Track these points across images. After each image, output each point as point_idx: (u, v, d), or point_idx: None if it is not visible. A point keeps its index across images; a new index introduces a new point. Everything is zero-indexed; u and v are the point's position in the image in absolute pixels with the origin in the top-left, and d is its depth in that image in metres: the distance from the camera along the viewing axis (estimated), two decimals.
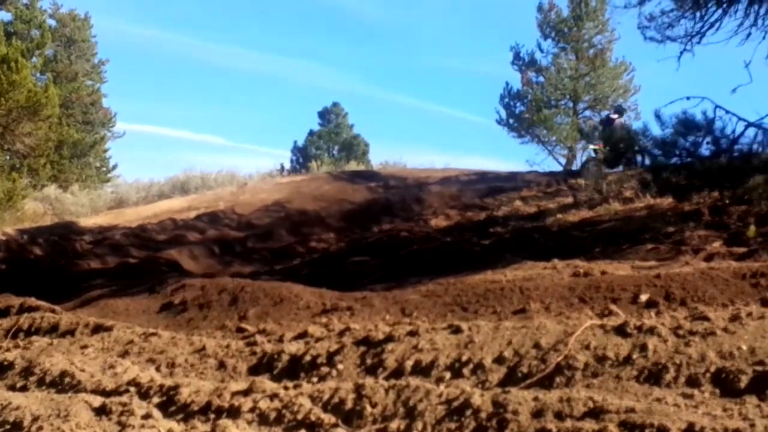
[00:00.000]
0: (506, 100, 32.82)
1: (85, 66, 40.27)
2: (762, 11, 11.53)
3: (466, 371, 4.77)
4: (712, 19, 11.92)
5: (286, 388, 4.86)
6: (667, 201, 11.95)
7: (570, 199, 15.59)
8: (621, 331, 4.79)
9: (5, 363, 6.36)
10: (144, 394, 5.08)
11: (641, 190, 12.99)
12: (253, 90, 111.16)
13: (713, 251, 8.56)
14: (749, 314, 5.03)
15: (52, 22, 37.33)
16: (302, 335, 5.96)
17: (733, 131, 10.56)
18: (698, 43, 12.17)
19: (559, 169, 26.27)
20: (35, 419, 4.54)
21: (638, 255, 9.08)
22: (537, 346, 4.80)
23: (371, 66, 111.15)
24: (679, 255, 8.67)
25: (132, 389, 5.19)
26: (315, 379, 5.10)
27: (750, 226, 8.88)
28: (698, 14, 12.00)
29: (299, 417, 4.34)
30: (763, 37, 11.69)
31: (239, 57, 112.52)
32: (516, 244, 11.53)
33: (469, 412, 4.00)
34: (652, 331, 4.68)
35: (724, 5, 11.69)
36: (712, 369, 4.12)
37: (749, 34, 11.78)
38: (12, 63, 19.06)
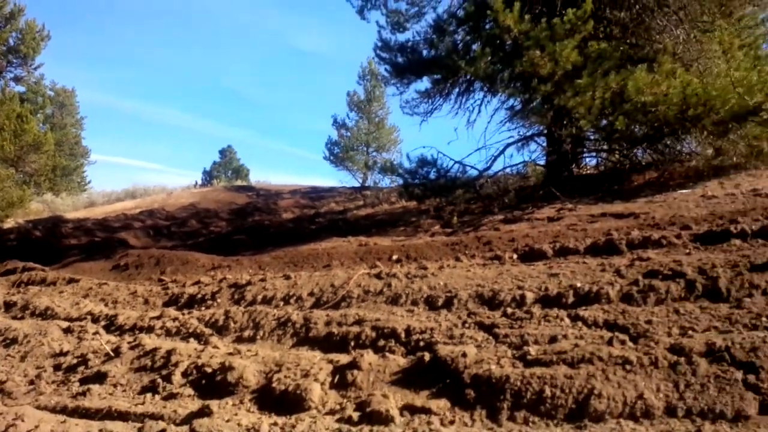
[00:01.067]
0: (329, 145, 32.81)
1: (71, 119, 38.27)
2: (463, 101, 12.06)
3: (292, 301, 4.80)
4: (438, 104, 12.36)
5: (183, 314, 4.76)
6: (413, 204, 12.26)
7: (361, 202, 15.76)
8: (378, 275, 4.92)
9: (11, 302, 5.92)
10: (95, 320, 4.87)
11: (399, 197, 13.30)
12: (181, 135, 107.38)
13: (435, 231, 8.86)
14: (448, 265, 5.29)
15: (51, 93, 35.52)
16: (197, 282, 5.82)
17: (447, 166, 11.02)
18: (430, 116, 12.57)
19: (357, 185, 26.39)
20: (26, 335, 4.30)
21: (395, 234, 9.29)
22: (332, 285, 4.87)
23: (251, 121, 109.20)
24: (417, 234, 8.93)
25: (88, 317, 4.96)
26: (203, 308, 5.00)
27: (454, 217, 9.24)
28: (430, 101, 12.40)
29: (190, 330, 4.27)
30: (463, 115, 12.23)
31: (172, 114, 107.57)
32: (329, 228, 11.58)
33: (290, 324, 4.04)
34: (395, 275, 4.83)
35: (444, 97, 12.15)
36: (425, 295, 4.30)
37: (456, 113, 12.30)
38: (24, 117, 18.24)
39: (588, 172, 12.02)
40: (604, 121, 9.40)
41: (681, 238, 4.88)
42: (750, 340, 2.51)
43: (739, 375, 2.34)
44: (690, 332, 2.85)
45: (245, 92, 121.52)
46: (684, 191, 8.00)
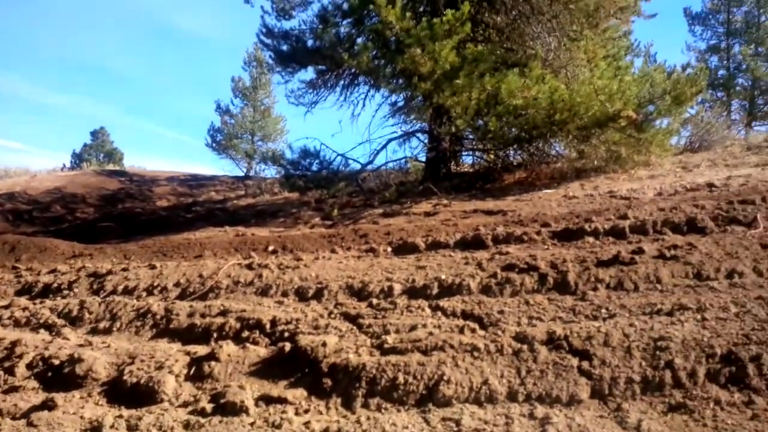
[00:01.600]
0: (212, 132, 31.73)
1: None
2: (348, 94, 12.12)
3: (156, 291, 4.62)
4: (323, 96, 12.34)
5: (35, 303, 4.45)
6: (295, 195, 12.18)
7: (243, 192, 15.43)
8: (249, 266, 4.86)
9: None
10: None
11: (281, 188, 13.15)
12: (49, 114, 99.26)
13: (315, 223, 8.85)
14: (324, 257, 5.30)
15: None
16: (54, 271, 5.44)
17: (330, 158, 11.04)
18: (314, 107, 12.52)
19: (241, 174, 25.78)
20: None
21: (274, 224, 9.18)
22: (201, 276, 4.75)
23: (129, 102, 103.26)
24: (296, 225, 8.89)
25: None
26: (58, 298, 4.68)
27: (335, 209, 9.28)
28: (315, 92, 12.35)
29: (41, 321, 4.01)
30: (348, 108, 12.30)
31: (41, 92, 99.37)
32: (206, 217, 11.24)
33: (149, 315, 3.90)
34: (266, 266, 4.78)
35: (329, 89, 12.15)
36: (296, 286, 4.30)
37: (341, 106, 12.34)
38: None
39: (465, 169, 12.50)
40: (480, 122, 9.81)
41: (541, 234, 5.20)
42: (587, 330, 2.73)
43: (575, 362, 2.54)
44: (536, 322, 3.06)
45: (125, 73, 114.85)
46: (548, 191, 8.54)
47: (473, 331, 2.92)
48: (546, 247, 4.85)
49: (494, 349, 2.63)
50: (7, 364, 3.17)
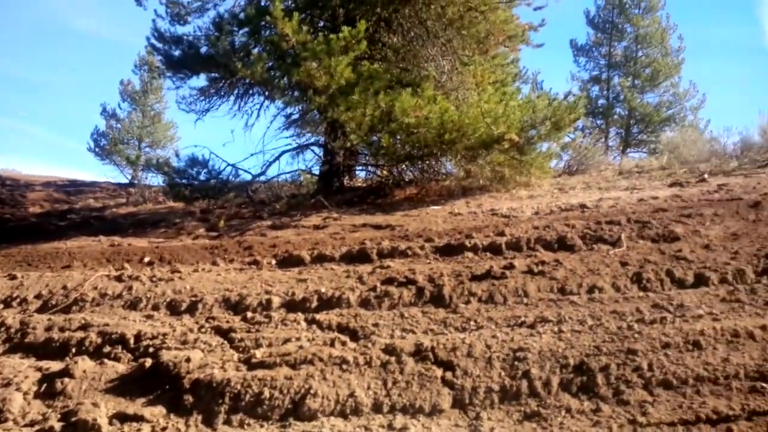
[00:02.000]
0: (95, 136, 30.07)
1: None
2: (242, 104, 11.91)
3: (14, 303, 4.30)
4: (215, 104, 12.04)
5: None
6: (181, 205, 11.73)
7: (124, 200, 14.69)
8: (119, 278, 4.64)
9: None
10: None
11: (166, 197, 12.65)
12: None
13: (198, 234, 8.55)
14: (203, 269, 5.14)
15: None
16: None
17: (220, 168, 10.74)
18: (206, 114, 12.18)
19: (126, 181, 24.57)
20: None
21: (155, 235, 8.78)
22: (65, 287, 4.47)
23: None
24: (179, 236, 8.55)
25: None
26: None
27: (221, 221, 9.02)
28: (207, 100, 12.03)
29: None
30: (242, 118, 12.07)
31: None
32: (81, 225, 10.56)
33: (2, 329, 3.62)
34: (137, 278, 4.58)
35: (222, 97, 11.89)
36: (168, 300, 4.13)
37: (234, 115, 12.09)
38: None
39: (358, 184, 12.60)
40: (374, 138, 9.93)
41: (424, 249, 5.32)
42: (453, 342, 2.81)
43: (439, 372, 2.60)
44: (407, 334, 3.11)
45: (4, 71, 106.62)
46: (436, 207, 8.77)
47: (344, 343, 2.92)
48: (428, 261, 4.96)
49: (363, 361, 2.65)
50: None
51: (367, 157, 12.03)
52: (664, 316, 3.12)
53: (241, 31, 11.17)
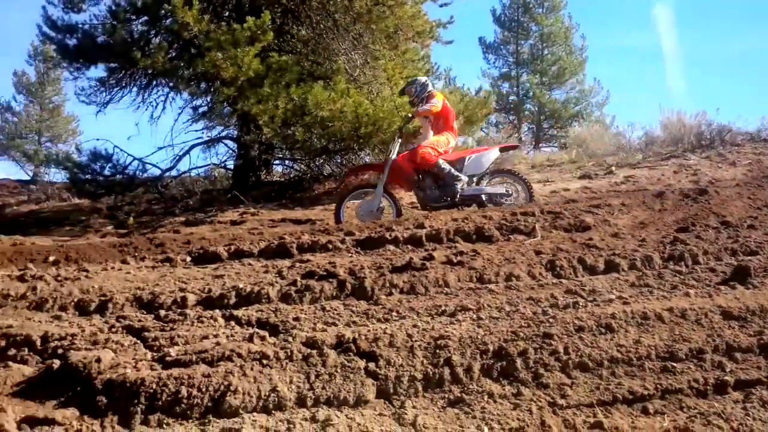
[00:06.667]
0: None
1: None
2: (146, 95, 11.48)
3: None
4: (116, 95, 11.53)
5: None
6: (87, 202, 11.22)
7: (25, 198, 13.87)
8: (22, 278, 4.36)
9: None
10: None
11: (70, 194, 12.05)
12: None
13: (107, 232, 8.24)
14: (113, 268, 4.93)
15: None
16: None
17: (125, 162, 10.35)
18: (106, 107, 11.62)
19: (27, 177, 23.13)
20: None
21: (60, 233, 8.38)
22: None
23: None
24: (86, 234, 8.21)
25: None
26: None
27: (130, 218, 8.72)
28: (107, 91, 11.50)
29: None
30: (146, 110, 11.65)
31: None
32: None
33: None
34: (42, 278, 4.34)
35: (123, 88, 11.41)
36: (76, 299, 3.93)
37: (138, 107, 11.64)
38: None
39: (276, 178, 12.45)
40: (288, 131, 9.85)
41: (345, 243, 5.31)
42: (374, 332, 2.83)
43: (362, 364, 2.61)
44: (329, 327, 3.10)
45: None
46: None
47: (263, 339, 2.87)
48: (349, 255, 4.96)
49: (284, 355, 2.62)
50: None
51: (284, 151, 11.92)
52: (577, 301, 3.28)
53: (139, 20, 10.75)
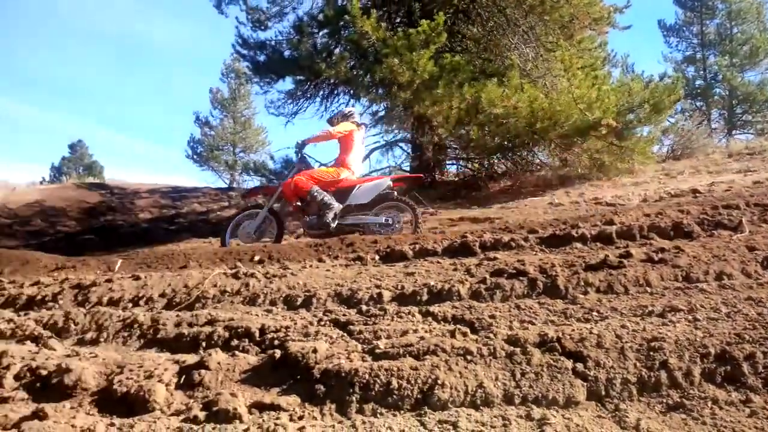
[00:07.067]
0: (191, 144, 31.58)
1: None
2: (328, 104, 12.14)
3: (141, 302, 4.54)
4: (303, 106, 12.33)
5: (19, 315, 4.34)
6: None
7: (226, 204, 15.33)
8: (236, 275, 4.80)
9: None
10: None
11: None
12: (25, 128, 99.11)
13: (300, 233, 8.80)
14: (311, 266, 5.26)
15: None
16: (37, 283, 5.32)
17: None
18: (294, 117, 12.49)
19: (224, 186, 25.64)
20: None
21: None
22: (186, 286, 4.68)
23: (108, 117, 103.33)
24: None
25: None
26: (43, 310, 4.58)
27: None
28: (294, 102, 12.34)
29: (26, 333, 3.91)
30: (328, 118, 12.32)
31: (16, 107, 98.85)
32: (190, 229, 11.14)
33: (136, 325, 3.83)
34: (253, 275, 4.73)
35: (309, 99, 12.15)
36: (284, 295, 4.25)
37: (322, 116, 12.38)
38: None
39: (450, 178, 12.54)
40: (462, 131, 9.87)
41: (528, 240, 5.21)
42: (579, 332, 2.73)
43: (569, 364, 2.53)
44: (528, 325, 3.05)
45: (100, 87, 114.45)
46: (534, 199, 8.62)
47: (465, 335, 2.90)
48: (534, 252, 4.86)
49: (487, 352, 2.62)
50: None
51: (457, 151, 11.97)
52: None
53: (321, 32, 11.40)
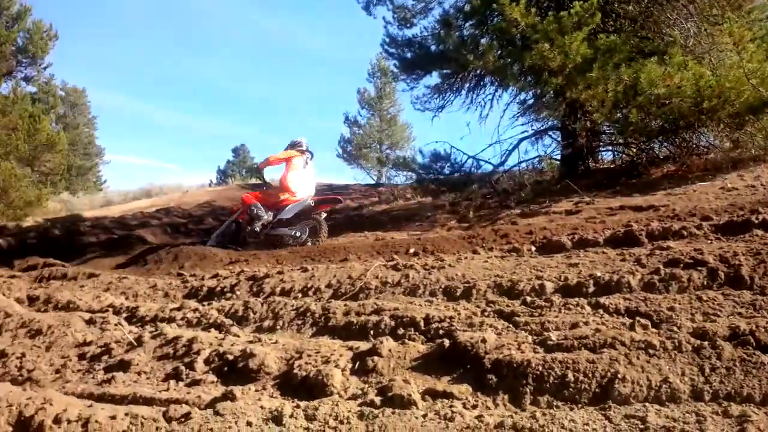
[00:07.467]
0: (341, 143, 32.86)
1: (83, 119, 38.30)
2: (474, 96, 12.03)
3: (310, 293, 4.80)
4: (449, 99, 12.32)
5: (203, 305, 4.78)
6: (428, 199, 12.25)
7: (376, 199, 15.77)
8: (395, 267, 4.92)
9: (34, 296, 5.97)
10: (117, 312, 4.89)
11: (414, 193, 13.28)
12: (194, 135, 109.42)
13: (451, 226, 8.84)
14: (465, 257, 5.27)
15: (62, 93, 35.36)
16: (216, 276, 5.83)
17: (461, 161, 10.99)
18: (441, 111, 12.52)
19: (372, 182, 26.38)
20: (50, 327, 4.33)
21: (411, 228, 9.29)
22: (350, 277, 4.88)
23: (262, 122, 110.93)
24: (433, 228, 8.93)
25: (110, 309, 4.99)
26: (222, 300, 5.01)
27: (470, 212, 9.22)
28: (440, 96, 12.36)
29: (210, 321, 4.29)
30: (475, 110, 12.20)
31: (181, 116, 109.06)
32: (345, 224, 11.57)
33: (308, 314, 4.05)
34: (412, 267, 4.83)
35: (455, 92, 12.11)
36: (443, 286, 4.29)
37: (468, 108, 12.27)
38: (36, 117, 18.51)
39: (605, 165, 11.93)
40: (619, 114, 9.34)
41: (702, 228, 4.83)
42: None
43: (765, 358, 2.31)
44: (714, 318, 2.82)
45: (253, 94, 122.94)
46: (703, 183, 7.93)
47: (645, 327, 2.75)
48: (709, 241, 4.49)
49: (671, 346, 2.46)
50: (187, 360, 3.42)
51: (613, 137, 11.35)
52: None
53: (467, 24, 11.29)
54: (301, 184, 9.11)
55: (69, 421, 2.57)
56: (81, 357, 3.90)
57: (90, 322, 4.44)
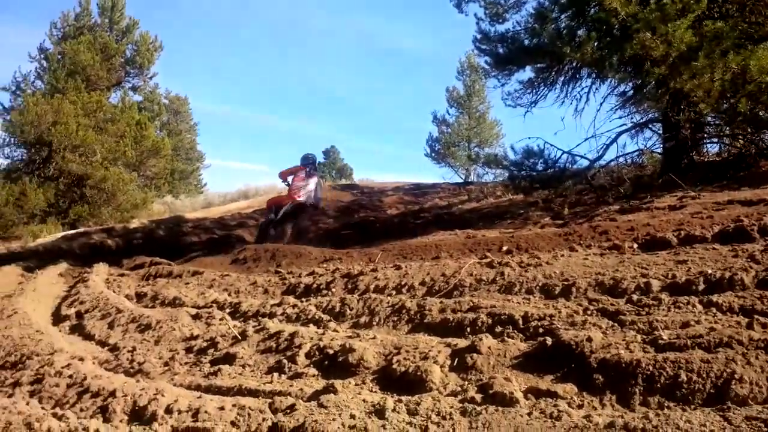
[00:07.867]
0: (429, 142, 32.79)
1: (186, 126, 40.26)
2: (569, 89, 11.67)
3: (404, 290, 4.85)
4: (542, 94, 12.03)
5: (301, 301, 4.93)
6: (519, 197, 12.02)
7: (465, 197, 15.65)
8: (490, 265, 4.88)
9: (142, 293, 6.39)
10: (221, 307, 5.13)
11: (505, 190, 13.08)
12: (289, 138, 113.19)
13: (544, 223, 8.64)
14: (562, 255, 5.15)
15: (165, 101, 37.36)
16: (312, 273, 6.00)
17: (555, 156, 10.68)
18: (534, 107, 12.24)
19: (460, 180, 26.20)
20: (158, 322, 4.60)
21: (503, 226, 9.14)
22: (444, 275, 4.88)
23: (353, 123, 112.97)
24: (525, 225, 8.75)
25: (214, 305, 5.24)
26: (319, 297, 5.15)
27: (564, 208, 8.97)
28: (533, 91, 12.09)
29: (309, 317, 4.42)
30: (570, 104, 11.84)
31: (275, 120, 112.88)
32: (435, 222, 11.56)
33: (404, 311, 4.09)
34: (507, 264, 4.77)
35: (549, 86, 11.81)
36: (540, 283, 4.22)
37: (563, 102, 11.92)
38: (143, 124, 19.77)
39: (710, 158, 11.27)
40: (726, 104, 8.79)
41: None
42: None
43: None
44: None
45: (343, 95, 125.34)
46: None
47: (764, 326, 2.58)
48: None
49: None
50: (289, 354, 3.55)
51: (719, 128, 10.70)
52: None
53: (563, 16, 10.95)
54: (300, 189, 11.06)
55: (180, 412, 2.73)
56: (188, 350, 4.13)
57: (196, 317, 4.70)
